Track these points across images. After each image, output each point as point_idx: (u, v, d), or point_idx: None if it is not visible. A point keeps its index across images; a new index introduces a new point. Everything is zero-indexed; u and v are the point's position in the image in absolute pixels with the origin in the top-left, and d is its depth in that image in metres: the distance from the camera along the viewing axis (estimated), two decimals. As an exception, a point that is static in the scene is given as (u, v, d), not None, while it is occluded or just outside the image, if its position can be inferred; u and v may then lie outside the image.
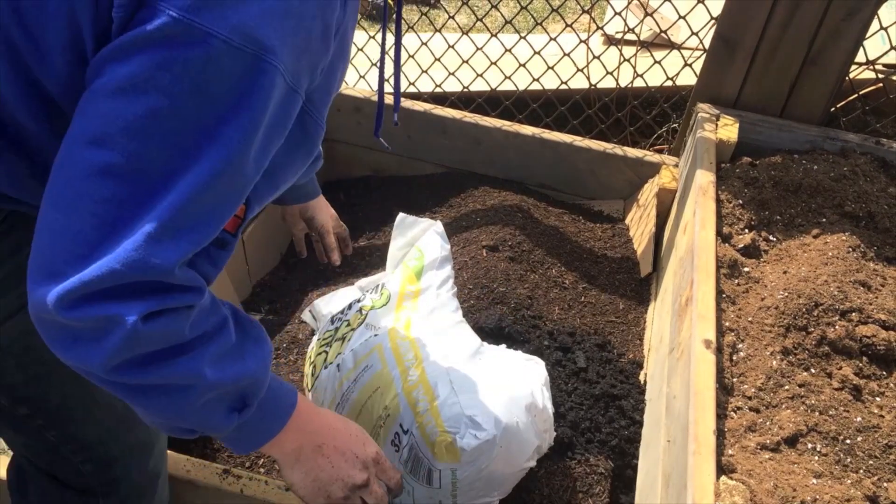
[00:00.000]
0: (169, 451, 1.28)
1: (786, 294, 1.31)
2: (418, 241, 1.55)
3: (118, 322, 0.74)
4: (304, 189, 1.54)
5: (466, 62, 2.20)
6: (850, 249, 1.40)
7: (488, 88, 2.20)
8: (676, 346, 1.36)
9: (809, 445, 1.13)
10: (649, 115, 2.24)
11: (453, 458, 1.20)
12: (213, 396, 0.86)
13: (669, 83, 2.09)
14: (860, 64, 1.80)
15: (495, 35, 2.10)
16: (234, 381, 0.87)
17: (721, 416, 1.16)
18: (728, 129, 1.72)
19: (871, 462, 1.11)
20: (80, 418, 1.04)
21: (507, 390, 1.27)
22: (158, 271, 0.75)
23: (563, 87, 2.17)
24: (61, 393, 1.01)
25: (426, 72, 2.25)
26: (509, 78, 2.19)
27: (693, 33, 1.93)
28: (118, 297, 0.74)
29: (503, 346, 1.45)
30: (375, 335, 1.39)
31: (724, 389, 1.20)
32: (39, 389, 0.99)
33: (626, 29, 2.16)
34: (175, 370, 0.81)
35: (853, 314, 1.27)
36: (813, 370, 1.23)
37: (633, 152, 2.00)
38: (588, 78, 2.15)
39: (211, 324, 0.85)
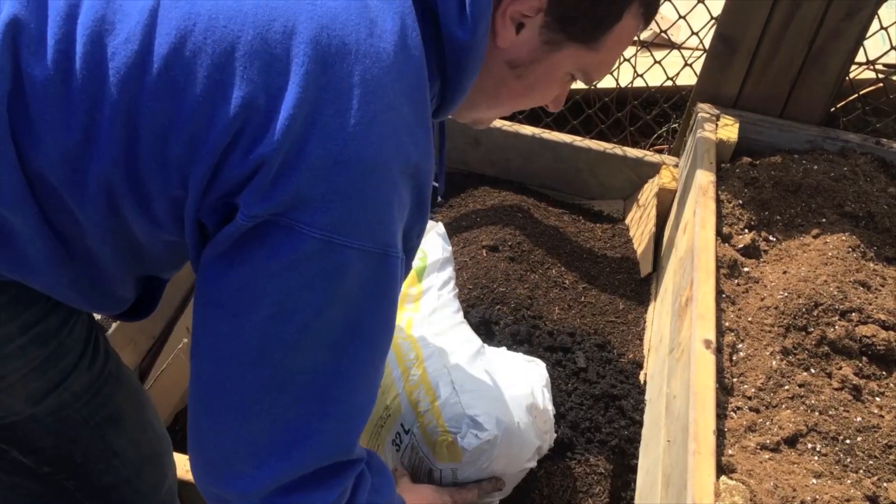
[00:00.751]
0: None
1: (786, 294, 1.31)
2: (419, 241, 1.55)
3: None
4: None
5: (466, 62, 2.19)
6: (850, 249, 1.40)
7: (488, 88, 2.19)
8: (676, 346, 1.36)
9: (809, 445, 1.13)
10: (649, 115, 2.24)
11: (454, 458, 1.21)
12: None
13: (669, 83, 2.09)
14: (860, 64, 1.80)
15: (495, 35, 2.10)
16: None
17: (721, 416, 1.16)
18: (728, 129, 1.72)
19: (870, 462, 1.12)
20: (100, 469, 1.08)
21: (508, 391, 1.27)
22: (342, 453, 0.82)
23: (563, 86, 2.16)
24: (85, 451, 1.05)
25: (426, 72, 2.24)
26: (509, 78, 2.19)
27: (693, 33, 1.93)
28: (308, 485, 0.80)
29: (503, 346, 1.45)
30: (376, 335, 1.39)
31: (724, 389, 1.20)
32: (66, 450, 1.03)
33: (626, 29, 2.15)
34: None
35: (853, 314, 1.27)
36: (813, 370, 1.23)
37: (633, 152, 2.00)
38: (588, 78, 2.15)
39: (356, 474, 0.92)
